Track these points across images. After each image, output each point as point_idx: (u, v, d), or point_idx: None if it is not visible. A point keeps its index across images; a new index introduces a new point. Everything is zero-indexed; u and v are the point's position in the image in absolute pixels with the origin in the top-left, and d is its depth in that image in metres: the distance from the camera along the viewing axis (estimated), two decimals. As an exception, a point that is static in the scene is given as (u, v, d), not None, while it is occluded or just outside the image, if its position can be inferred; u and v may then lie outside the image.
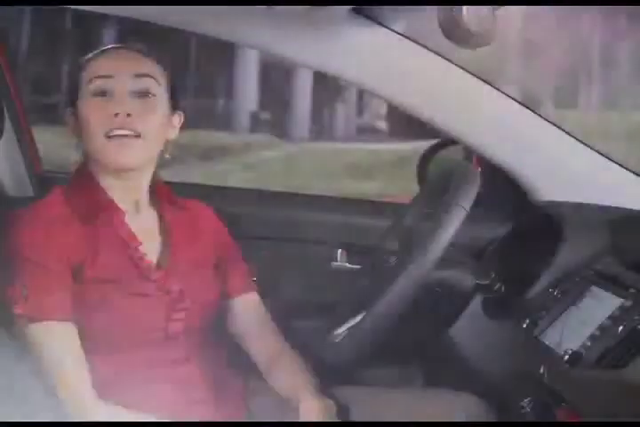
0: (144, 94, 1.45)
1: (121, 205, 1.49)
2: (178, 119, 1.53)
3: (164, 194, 1.56)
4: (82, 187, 1.49)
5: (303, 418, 1.45)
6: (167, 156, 1.51)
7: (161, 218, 1.55)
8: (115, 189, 1.49)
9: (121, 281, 1.44)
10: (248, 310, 1.63)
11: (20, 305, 1.37)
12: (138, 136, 1.43)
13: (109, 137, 1.42)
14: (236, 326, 1.63)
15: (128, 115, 1.41)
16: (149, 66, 1.48)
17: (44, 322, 1.38)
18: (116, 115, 1.41)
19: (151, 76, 1.46)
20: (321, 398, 1.49)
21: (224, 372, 1.58)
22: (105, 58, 1.48)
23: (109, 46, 1.52)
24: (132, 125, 1.42)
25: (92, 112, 1.43)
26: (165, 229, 1.54)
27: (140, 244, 1.48)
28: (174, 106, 1.52)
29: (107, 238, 1.46)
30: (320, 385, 1.54)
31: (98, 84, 1.44)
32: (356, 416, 1.53)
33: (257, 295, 1.65)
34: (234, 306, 1.63)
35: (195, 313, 1.50)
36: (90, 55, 1.50)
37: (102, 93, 1.43)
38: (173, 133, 1.52)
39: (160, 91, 1.47)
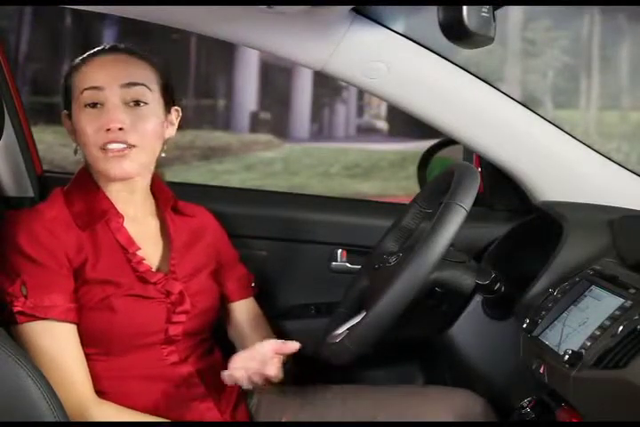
0: (136, 103, 1.43)
1: (120, 210, 1.49)
2: (175, 115, 1.52)
3: (167, 200, 1.56)
4: (82, 190, 1.49)
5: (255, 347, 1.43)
6: (163, 154, 1.51)
7: (162, 224, 1.55)
8: (114, 194, 1.49)
9: (121, 283, 1.44)
10: (246, 314, 1.65)
11: (20, 303, 1.37)
12: (132, 146, 1.42)
13: (104, 149, 1.42)
14: (234, 330, 1.65)
15: (120, 128, 1.41)
16: (141, 72, 1.46)
17: (44, 320, 1.38)
18: (108, 130, 1.40)
19: (142, 84, 1.44)
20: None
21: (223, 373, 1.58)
22: (93, 66, 1.45)
23: (99, 49, 1.49)
24: (124, 138, 1.41)
25: (85, 124, 1.43)
26: (166, 235, 1.54)
27: (139, 248, 1.48)
28: (171, 104, 1.51)
29: (106, 242, 1.46)
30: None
31: (88, 95, 1.43)
32: (355, 414, 1.53)
33: (254, 301, 1.67)
34: (232, 310, 1.65)
35: (195, 316, 1.50)
36: (79, 60, 1.48)
37: (93, 105, 1.43)
38: (172, 131, 1.52)
39: (153, 97, 1.46)
